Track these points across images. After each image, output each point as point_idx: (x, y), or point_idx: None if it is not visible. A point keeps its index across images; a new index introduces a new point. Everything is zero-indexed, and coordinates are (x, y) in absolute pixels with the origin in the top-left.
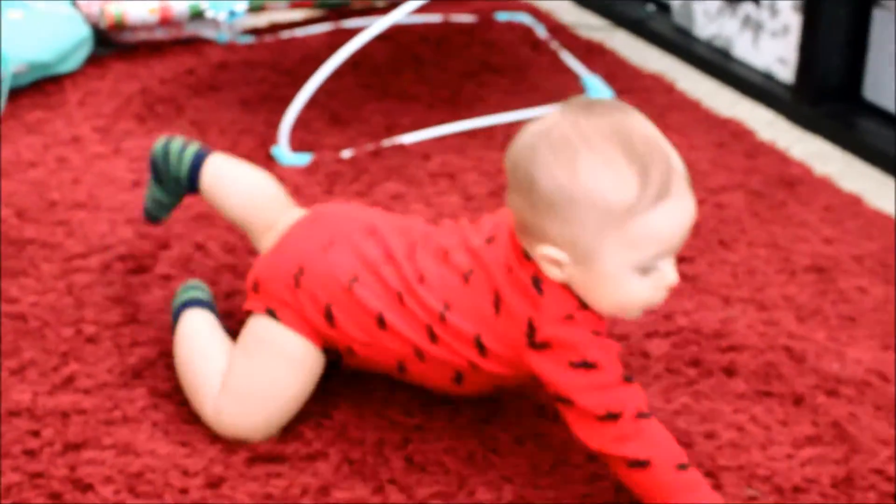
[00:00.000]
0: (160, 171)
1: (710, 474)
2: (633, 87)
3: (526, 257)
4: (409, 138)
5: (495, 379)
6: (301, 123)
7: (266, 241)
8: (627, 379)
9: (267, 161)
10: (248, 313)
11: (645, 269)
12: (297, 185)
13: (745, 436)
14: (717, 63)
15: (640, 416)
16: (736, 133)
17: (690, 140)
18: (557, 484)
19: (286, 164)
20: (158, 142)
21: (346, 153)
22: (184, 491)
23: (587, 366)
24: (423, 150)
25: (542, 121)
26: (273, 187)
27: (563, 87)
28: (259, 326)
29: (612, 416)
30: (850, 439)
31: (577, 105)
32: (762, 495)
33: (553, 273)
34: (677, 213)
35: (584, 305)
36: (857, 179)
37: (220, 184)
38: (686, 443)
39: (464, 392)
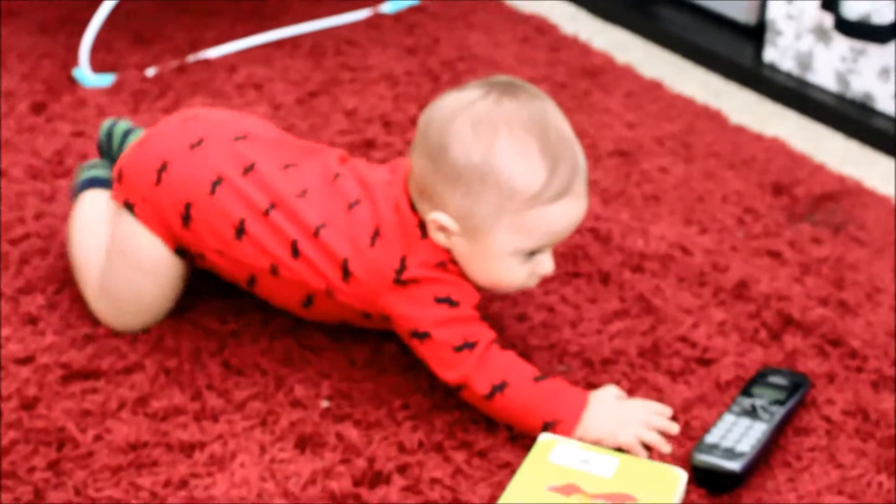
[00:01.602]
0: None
1: (523, 355)
2: None
3: (413, 208)
4: (213, 52)
5: (343, 311)
6: (102, 44)
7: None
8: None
9: (69, 83)
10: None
11: (526, 255)
12: (101, 106)
13: (555, 315)
14: None
15: (493, 342)
16: (540, 28)
17: (495, 37)
18: (374, 375)
19: (89, 85)
20: (103, 125)
21: (151, 71)
22: None
23: (450, 302)
24: (229, 63)
25: (464, 93)
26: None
27: None
28: (118, 223)
29: (469, 345)
30: (655, 311)
31: (500, 84)
32: (573, 370)
33: (437, 237)
34: (572, 210)
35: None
36: (657, 65)
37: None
38: (498, 326)
39: (309, 317)
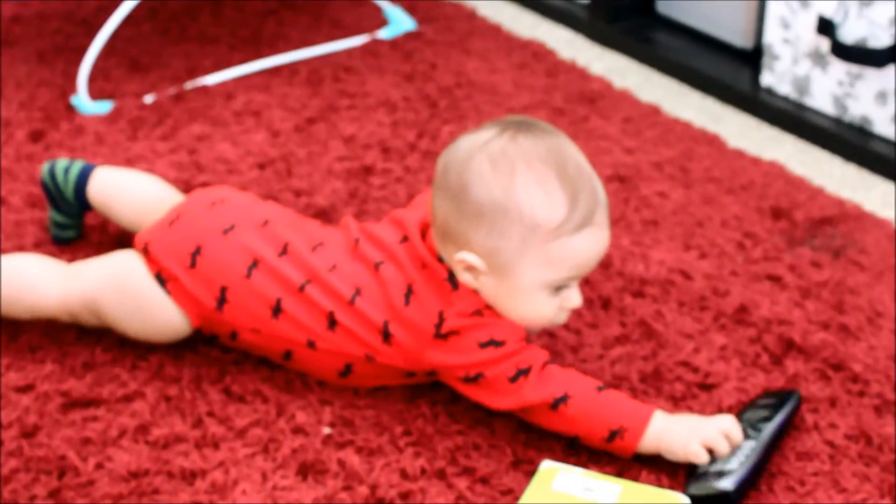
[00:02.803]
0: (52, 194)
1: None
2: (434, 15)
3: (439, 259)
4: (211, 79)
5: (384, 374)
6: (100, 72)
7: None
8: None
9: (67, 112)
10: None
11: (554, 289)
12: (99, 134)
13: (556, 341)
14: None
15: (546, 363)
16: (537, 54)
17: (493, 64)
18: (375, 402)
19: (87, 112)
20: (44, 166)
21: (149, 98)
22: None
23: (495, 343)
24: (227, 91)
25: (479, 133)
26: (160, 189)
27: (364, 20)
28: (145, 286)
29: (523, 372)
30: (656, 336)
31: (515, 123)
32: None
33: (465, 278)
34: (596, 241)
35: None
36: (655, 90)
37: (107, 196)
38: None
39: (346, 385)
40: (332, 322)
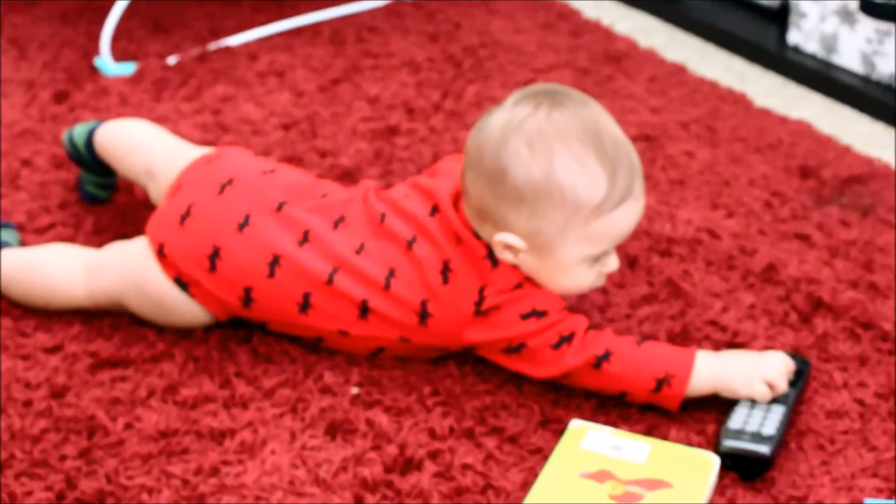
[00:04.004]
0: (76, 159)
1: None
2: None
3: (475, 234)
4: (235, 40)
5: (416, 352)
6: (123, 33)
7: (154, 189)
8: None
9: (91, 73)
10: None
11: (594, 259)
12: (123, 95)
13: (584, 301)
14: None
15: (589, 328)
16: (562, 13)
17: (517, 23)
18: (404, 364)
19: (110, 74)
20: (64, 134)
21: (172, 59)
22: (27, 403)
23: (537, 314)
24: (250, 51)
25: (511, 110)
26: (143, 132)
27: None
28: (165, 290)
29: (566, 339)
30: (683, 295)
31: (547, 96)
32: None
33: (505, 256)
34: (634, 211)
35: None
36: (681, 50)
37: (106, 148)
38: None
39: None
40: (365, 310)
